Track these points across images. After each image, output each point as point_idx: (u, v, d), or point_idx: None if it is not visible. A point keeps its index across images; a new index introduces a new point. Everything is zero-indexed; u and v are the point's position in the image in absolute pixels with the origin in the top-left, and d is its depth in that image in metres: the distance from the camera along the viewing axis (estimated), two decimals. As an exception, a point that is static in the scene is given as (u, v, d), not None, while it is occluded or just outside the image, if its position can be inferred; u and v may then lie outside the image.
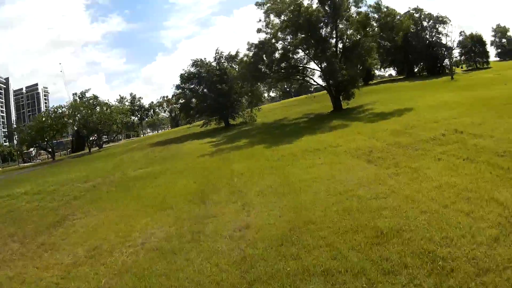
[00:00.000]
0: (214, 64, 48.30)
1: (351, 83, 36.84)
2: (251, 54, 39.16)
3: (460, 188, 10.16)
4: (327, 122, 31.06)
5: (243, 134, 35.62)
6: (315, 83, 42.52)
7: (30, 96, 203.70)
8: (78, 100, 62.80)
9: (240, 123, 47.09)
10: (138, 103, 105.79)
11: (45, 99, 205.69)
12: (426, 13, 75.28)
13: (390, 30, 38.99)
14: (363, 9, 38.64)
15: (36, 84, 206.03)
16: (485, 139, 15.23)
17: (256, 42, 39.01)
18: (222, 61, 48.18)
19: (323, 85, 40.46)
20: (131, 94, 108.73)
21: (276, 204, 11.45)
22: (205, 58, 49.01)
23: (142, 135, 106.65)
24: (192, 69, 48.13)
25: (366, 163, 15.13)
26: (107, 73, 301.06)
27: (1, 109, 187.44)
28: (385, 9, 37.76)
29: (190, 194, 14.67)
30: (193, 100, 49.05)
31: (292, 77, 42.26)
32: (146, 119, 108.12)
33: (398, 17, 39.58)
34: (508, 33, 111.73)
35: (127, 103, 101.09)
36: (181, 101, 51.18)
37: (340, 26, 38.85)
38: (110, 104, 65.24)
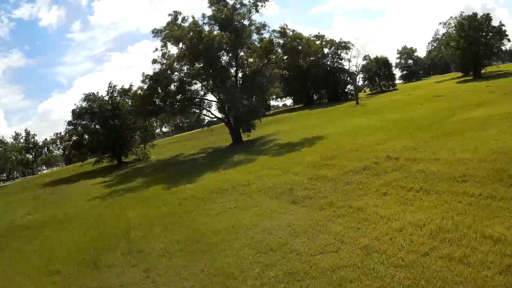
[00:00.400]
0: (106, 98, 44.63)
1: (252, 114, 35.08)
2: (145, 86, 36.27)
3: (432, 228, 8.48)
4: (229, 157, 28.98)
5: (137, 173, 33.14)
6: (212, 116, 40.09)
7: None
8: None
9: (133, 160, 43.93)
10: (32, 140, 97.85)
11: None
12: (328, 39, 75.56)
13: (297, 54, 37.49)
14: (267, 35, 37.33)
15: None
16: (432, 164, 13.69)
17: (151, 73, 36.26)
18: (115, 95, 44.68)
19: (221, 117, 38.27)
20: (25, 130, 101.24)
21: (190, 270, 9.12)
22: (97, 92, 45.20)
23: (37, 173, 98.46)
24: (84, 104, 43.91)
25: (290, 205, 13.27)
26: (6, 110, 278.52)
27: None
28: (291, 33, 36.25)
29: (81, 253, 12.46)
30: (86, 136, 44.83)
31: (188, 110, 39.69)
32: (41, 157, 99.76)
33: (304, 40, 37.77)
34: (416, 54, 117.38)
35: (22, 140, 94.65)
36: (74, 138, 46.64)
37: (242, 53, 37.66)
38: (5, 141, 59.47)
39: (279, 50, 37.26)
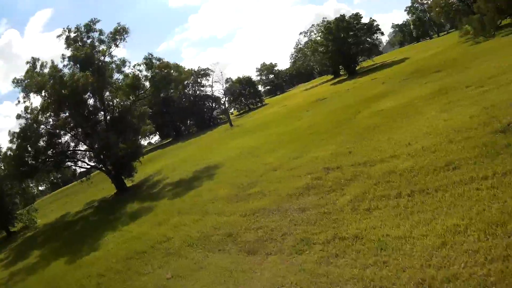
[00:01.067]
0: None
1: (131, 156, 35.01)
2: (14, 146, 34.77)
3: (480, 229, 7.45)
4: (121, 209, 26.13)
5: (30, 245, 29.51)
6: (88, 166, 38.82)
7: None
8: None
9: (22, 229, 41.26)
10: None
11: None
12: (186, 69, 76.57)
13: (168, 83, 37.40)
14: (129, 70, 37.73)
15: None
16: (393, 161, 12.34)
17: (17, 130, 34.79)
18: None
19: (99, 166, 37.41)
20: None
21: None
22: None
23: None
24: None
25: (248, 256, 10.25)
26: None
27: None
28: (157, 62, 36.97)
29: None
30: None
31: (62, 164, 38.43)
32: None
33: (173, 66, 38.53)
34: (276, 67, 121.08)
35: None
36: None
37: (107, 94, 37.47)
38: None
39: (147, 83, 37.57)
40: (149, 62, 37.21)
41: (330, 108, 32.10)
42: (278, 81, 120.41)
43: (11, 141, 35.07)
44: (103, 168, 36.59)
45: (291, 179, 14.93)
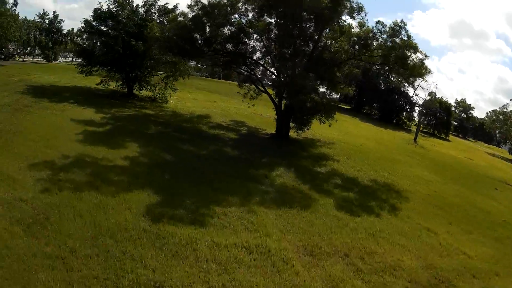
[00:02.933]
0: (141, 10, 34.61)
1: (319, 109, 25.27)
2: (190, 15, 26.15)
3: None
4: (270, 167, 19.27)
5: (142, 123, 24.24)
6: (262, 90, 28.67)
7: None
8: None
9: (146, 98, 34.58)
10: (58, 25, 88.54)
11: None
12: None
13: (403, 67, 26.15)
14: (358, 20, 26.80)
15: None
16: None
17: (206, 1, 25.91)
18: (152, 11, 34.58)
19: (273, 95, 27.61)
20: (54, 13, 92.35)
21: None
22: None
23: (57, 61, 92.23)
24: (112, 7, 33.93)
25: None
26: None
27: None
28: (405, 38, 25.83)
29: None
30: (97, 44, 34.92)
31: (235, 68, 29.74)
32: (59, 45, 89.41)
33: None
34: (471, 111, 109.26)
35: (47, 21, 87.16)
36: (85, 44, 37.05)
37: (327, 30, 27.21)
38: (16, 16, 50.35)
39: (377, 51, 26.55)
40: (394, 29, 25.88)
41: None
42: (465, 125, 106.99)
43: (190, 7, 26.41)
44: (276, 103, 27.12)
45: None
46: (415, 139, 46.46)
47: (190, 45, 25.65)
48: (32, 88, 29.58)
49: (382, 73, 64.81)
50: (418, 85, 59.63)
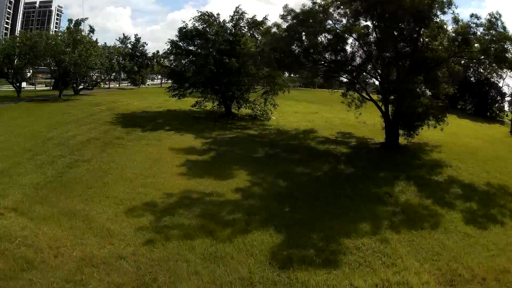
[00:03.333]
0: (229, 25, 33.93)
1: (431, 114, 23.43)
2: (284, 26, 24.90)
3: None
4: (385, 181, 17.73)
5: (247, 146, 23.13)
6: (368, 97, 26.21)
7: (42, 13, 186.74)
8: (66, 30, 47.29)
9: (246, 116, 33.62)
10: (141, 48, 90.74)
11: (57, 19, 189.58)
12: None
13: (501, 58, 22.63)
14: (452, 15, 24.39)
15: (51, 1, 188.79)
16: None
17: (297, 9, 24.53)
18: (241, 25, 33.81)
19: (379, 101, 25.75)
20: (135, 36, 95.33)
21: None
22: (218, 15, 34.46)
23: (145, 85, 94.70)
24: (198, 25, 33.74)
25: None
26: (134, 9, 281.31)
27: (7, 21, 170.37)
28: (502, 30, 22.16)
29: None
30: (187, 64, 34.91)
31: (336, 78, 27.96)
32: (145, 68, 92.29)
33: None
34: None
35: (129, 46, 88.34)
36: (172, 65, 37.37)
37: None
38: (95, 43, 50.37)
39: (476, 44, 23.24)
40: (491, 21, 22.20)
41: None
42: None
43: (282, 17, 25.16)
44: (383, 110, 25.17)
45: None
46: (511, 131, 44.58)
47: (289, 57, 24.49)
48: (122, 117, 29.45)
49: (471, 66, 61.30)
50: (507, 75, 55.43)
